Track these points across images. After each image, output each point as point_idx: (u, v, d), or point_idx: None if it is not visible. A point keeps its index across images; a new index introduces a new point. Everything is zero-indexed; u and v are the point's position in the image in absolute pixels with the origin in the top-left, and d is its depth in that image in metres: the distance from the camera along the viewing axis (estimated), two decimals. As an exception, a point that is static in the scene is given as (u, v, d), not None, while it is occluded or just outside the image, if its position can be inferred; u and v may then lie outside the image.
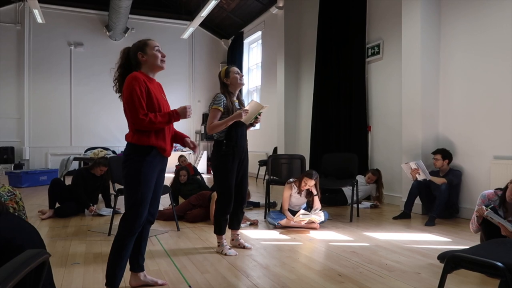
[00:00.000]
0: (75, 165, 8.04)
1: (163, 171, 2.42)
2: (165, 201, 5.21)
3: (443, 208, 4.38)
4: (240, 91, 3.34)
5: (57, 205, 4.77)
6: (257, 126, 3.32)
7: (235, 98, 3.24)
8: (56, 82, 10.49)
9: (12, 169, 9.12)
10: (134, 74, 2.26)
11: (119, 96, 2.35)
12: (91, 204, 4.83)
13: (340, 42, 6.71)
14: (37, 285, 1.16)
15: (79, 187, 4.84)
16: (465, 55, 4.70)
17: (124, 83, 2.26)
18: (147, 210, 2.29)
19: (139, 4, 10.29)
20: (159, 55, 2.35)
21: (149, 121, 2.20)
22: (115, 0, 8.90)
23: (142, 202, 2.23)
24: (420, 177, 4.54)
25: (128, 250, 2.26)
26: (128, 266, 2.36)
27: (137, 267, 2.43)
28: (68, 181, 5.67)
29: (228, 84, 3.18)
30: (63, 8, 10.49)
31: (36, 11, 8.76)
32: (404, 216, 4.61)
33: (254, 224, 4.32)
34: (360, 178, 5.47)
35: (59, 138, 10.55)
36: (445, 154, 4.57)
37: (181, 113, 2.31)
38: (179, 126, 11.40)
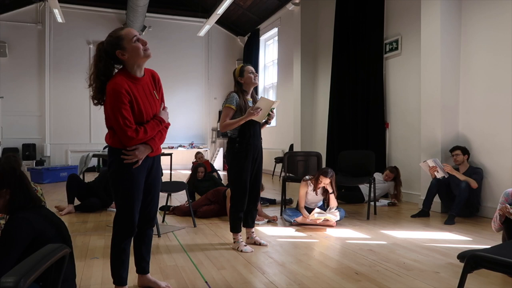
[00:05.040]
0: (94, 161, 8.19)
1: (155, 170, 2.26)
2: (182, 198, 5.28)
3: (463, 207, 4.29)
4: (255, 89, 3.34)
5: (76, 201, 4.88)
6: (273, 123, 3.29)
7: (249, 97, 3.23)
8: (75, 80, 10.68)
9: (34, 166, 9.34)
10: (114, 83, 1.99)
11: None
12: (110, 203, 4.94)
13: (358, 38, 6.63)
14: (58, 278, 1.19)
15: (99, 186, 4.99)
16: (486, 52, 4.57)
17: (106, 93, 2.02)
18: (137, 212, 2.17)
19: (156, 3, 10.39)
20: (140, 45, 2.04)
21: (139, 139, 2.05)
22: (133, -2, 9.01)
23: (129, 205, 2.12)
24: (439, 175, 4.46)
25: (126, 253, 2.19)
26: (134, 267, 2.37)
27: (141, 270, 2.38)
28: (88, 177, 5.78)
29: (242, 83, 3.19)
30: (82, 7, 10.68)
31: (56, 11, 8.93)
32: (423, 215, 4.53)
33: (273, 220, 4.31)
34: (378, 176, 5.40)
35: (78, 135, 10.78)
36: (464, 149, 4.52)
37: (163, 116, 2.20)
38: (196, 123, 11.52)
